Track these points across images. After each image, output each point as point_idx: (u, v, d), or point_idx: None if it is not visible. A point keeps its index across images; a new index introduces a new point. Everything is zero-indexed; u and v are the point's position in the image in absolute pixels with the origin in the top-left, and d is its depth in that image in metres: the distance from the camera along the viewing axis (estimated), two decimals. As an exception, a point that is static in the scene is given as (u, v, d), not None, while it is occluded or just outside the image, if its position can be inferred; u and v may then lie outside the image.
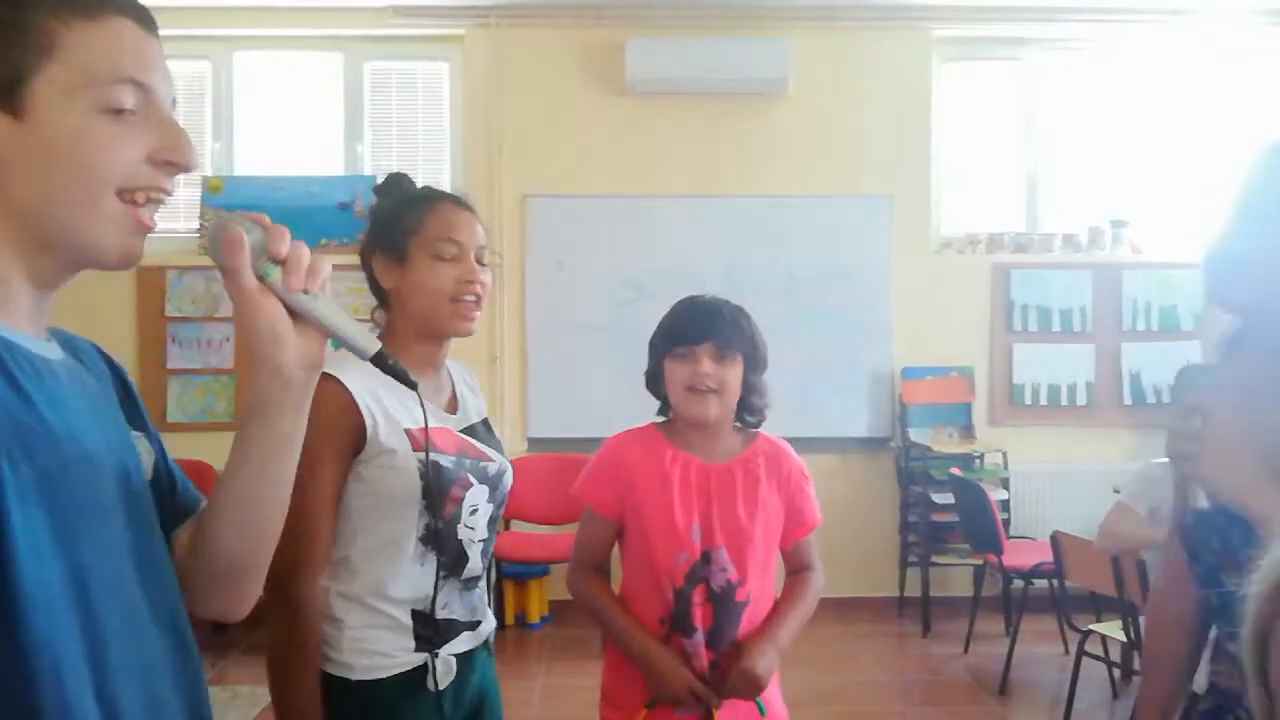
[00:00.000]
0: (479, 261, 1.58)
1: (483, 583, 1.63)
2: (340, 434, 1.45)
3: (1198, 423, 1.12)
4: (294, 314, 0.90)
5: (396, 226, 1.56)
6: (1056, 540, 3.75)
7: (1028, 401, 5.35)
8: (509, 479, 1.68)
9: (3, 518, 0.75)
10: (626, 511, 1.81)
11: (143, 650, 0.87)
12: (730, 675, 1.72)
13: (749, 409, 1.84)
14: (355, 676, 1.48)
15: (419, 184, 1.67)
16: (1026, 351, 5.35)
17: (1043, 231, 5.39)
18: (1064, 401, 5.35)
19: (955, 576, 5.17)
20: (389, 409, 1.49)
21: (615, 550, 1.90)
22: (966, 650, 4.67)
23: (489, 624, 1.66)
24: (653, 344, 1.84)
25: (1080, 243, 5.36)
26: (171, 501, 1.02)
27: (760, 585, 1.79)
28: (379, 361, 0.96)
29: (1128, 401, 5.34)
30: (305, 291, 0.90)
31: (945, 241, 5.38)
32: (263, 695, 3.79)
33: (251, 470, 0.94)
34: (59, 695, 0.78)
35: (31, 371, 0.82)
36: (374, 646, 1.49)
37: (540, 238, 5.20)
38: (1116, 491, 4.51)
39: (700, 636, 1.74)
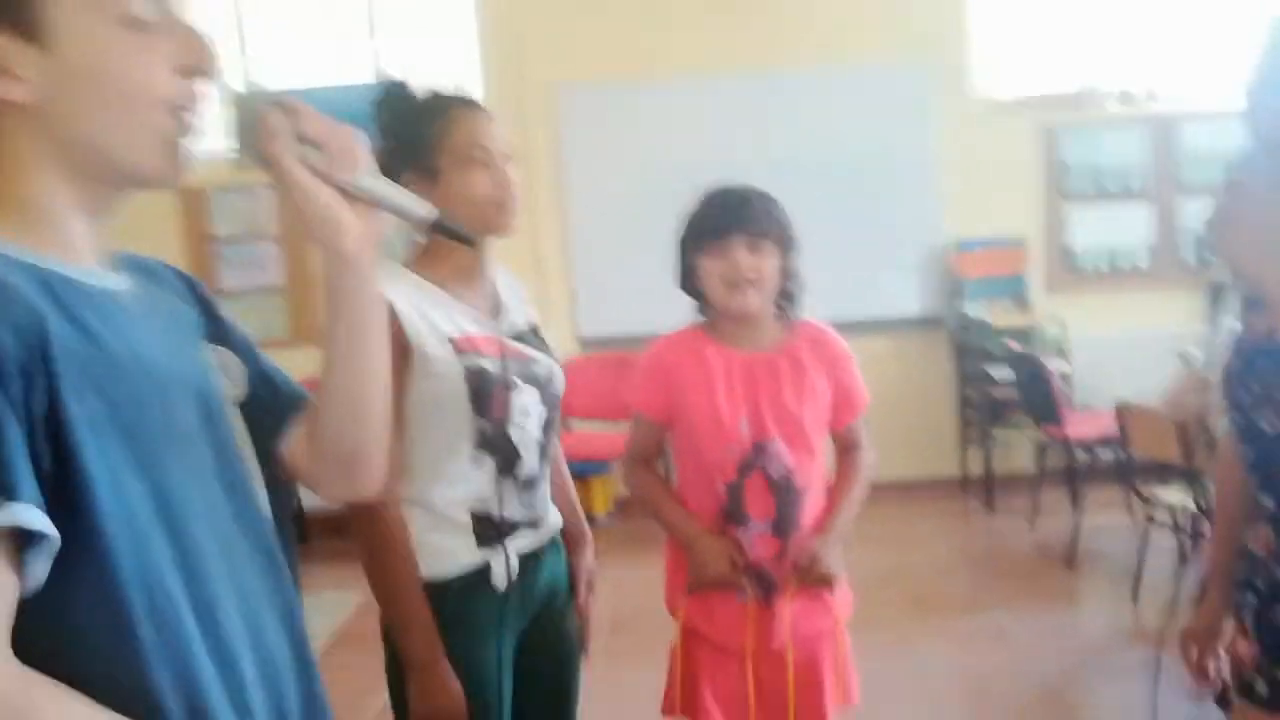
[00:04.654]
0: (506, 160, 1.57)
1: (543, 485, 1.66)
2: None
3: (1237, 195, 1.16)
4: (345, 194, 0.89)
5: (420, 142, 1.55)
6: (1121, 410, 3.68)
7: (1086, 268, 5.19)
8: (560, 382, 1.70)
9: (76, 451, 0.73)
10: (674, 413, 1.81)
11: (238, 574, 0.87)
12: (806, 578, 1.74)
13: (786, 296, 1.81)
14: (421, 578, 1.53)
15: (441, 82, 1.63)
16: (1081, 216, 5.17)
17: (1093, 88, 5.12)
18: (1124, 266, 5.19)
19: (1017, 452, 5.13)
20: (433, 319, 1.52)
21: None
22: (1033, 525, 4.67)
23: (552, 523, 1.69)
24: (682, 240, 1.81)
25: (1134, 97, 5.09)
26: (274, 405, 1.02)
27: (815, 470, 1.79)
28: (439, 226, 0.96)
29: (1189, 262, 5.16)
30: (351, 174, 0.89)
31: (991, 105, 5.16)
32: (348, 600, 3.91)
33: (343, 357, 0.95)
34: (158, 623, 0.77)
35: (90, 305, 0.80)
36: (437, 547, 1.54)
37: (573, 128, 5.07)
38: (1183, 358, 4.40)
39: (755, 526, 1.75)
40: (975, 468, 5.09)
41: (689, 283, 1.81)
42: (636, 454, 1.90)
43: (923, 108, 5.03)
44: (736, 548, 1.74)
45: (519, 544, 1.60)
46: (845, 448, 1.89)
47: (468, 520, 1.55)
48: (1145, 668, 3.26)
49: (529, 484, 1.62)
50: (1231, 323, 3.16)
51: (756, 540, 1.74)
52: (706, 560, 1.74)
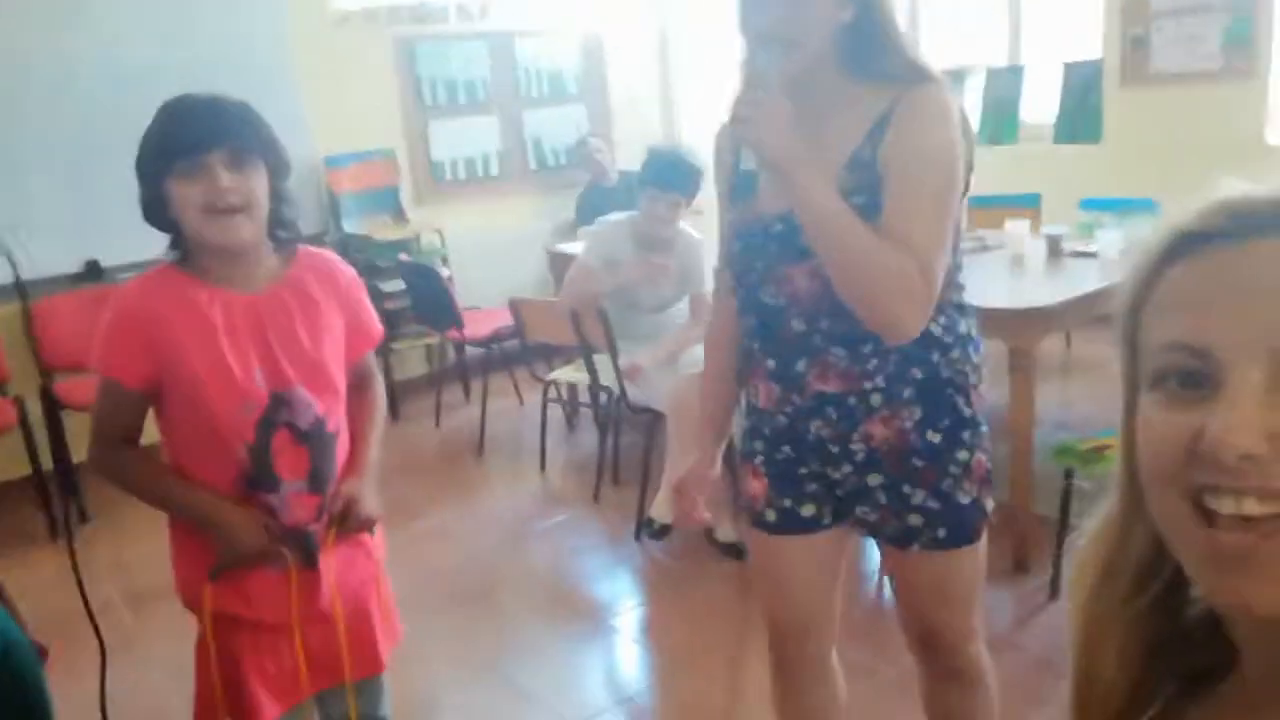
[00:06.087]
0: None
1: None
2: None
3: (760, 93, 1.32)
4: None
5: None
6: (514, 304, 4.02)
7: (448, 177, 5.49)
8: None
9: None
10: (163, 376, 1.54)
11: None
12: (345, 524, 1.64)
13: (281, 223, 1.62)
14: None
15: None
16: (440, 128, 5.43)
17: (437, 3, 5.35)
18: (480, 174, 5.60)
19: (412, 358, 5.34)
20: None
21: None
22: (439, 425, 4.93)
23: None
24: (143, 163, 1.51)
25: (472, 12, 5.44)
26: None
27: (343, 411, 1.68)
28: None
29: (533, 167, 5.76)
30: None
31: (343, 16, 5.08)
32: None
33: None
34: None
35: None
36: None
37: None
38: (549, 253, 4.93)
39: (288, 486, 1.60)
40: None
41: (159, 215, 1.53)
42: (114, 433, 1.58)
43: (275, 17, 4.75)
44: (268, 513, 1.58)
45: None
46: (362, 380, 1.78)
47: None
48: (560, 525, 3.73)
49: None
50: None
51: (292, 501, 1.59)
52: (237, 536, 1.55)
